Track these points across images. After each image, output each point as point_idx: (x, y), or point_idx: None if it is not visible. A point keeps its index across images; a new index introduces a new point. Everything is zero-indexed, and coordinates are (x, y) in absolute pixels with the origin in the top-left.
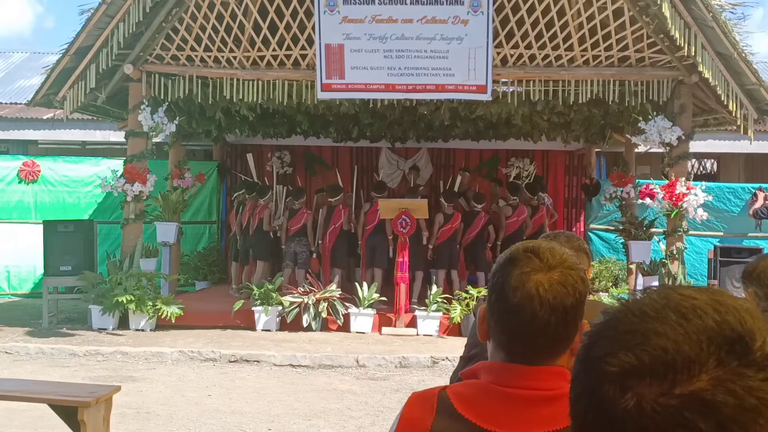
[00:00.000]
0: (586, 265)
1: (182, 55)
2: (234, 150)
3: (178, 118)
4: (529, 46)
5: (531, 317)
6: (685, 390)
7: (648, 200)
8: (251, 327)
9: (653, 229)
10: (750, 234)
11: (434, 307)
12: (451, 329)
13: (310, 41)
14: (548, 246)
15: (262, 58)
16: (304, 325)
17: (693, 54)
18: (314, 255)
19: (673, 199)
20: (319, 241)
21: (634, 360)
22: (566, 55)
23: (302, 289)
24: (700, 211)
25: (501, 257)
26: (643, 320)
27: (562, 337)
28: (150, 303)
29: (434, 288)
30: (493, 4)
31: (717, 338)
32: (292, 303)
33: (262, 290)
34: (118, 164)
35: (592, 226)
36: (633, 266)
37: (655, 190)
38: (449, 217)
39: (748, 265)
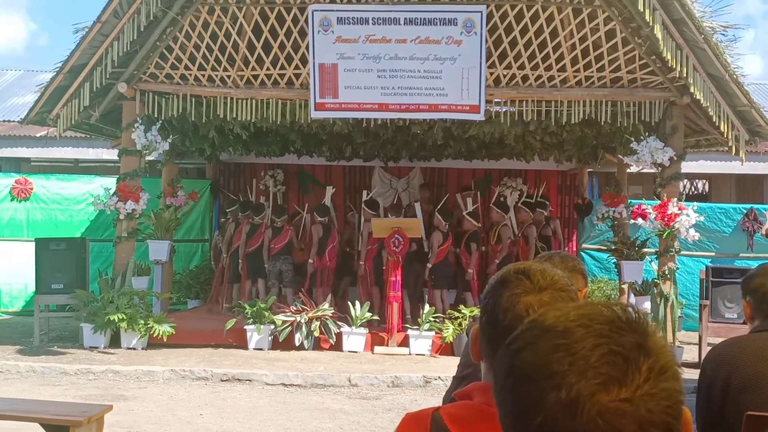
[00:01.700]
0: (582, 286)
1: (176, 73)
2: (227, 168)
3: (171, 136)
4: (521, 67)
5: None
6: (653, 368)
7: (640, 220)
8: (243, 346)
9: (645, 249)
10: (742, 254)
11: (427, 326)
12: (444, 348)
13: (303, 60)
14: (539, 267)
15: (255, 77)
16: (297, 343)
17: (685, 75)
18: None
19: (665, 219)
20: (310, 261)
21: (607, 375)
22: (559, 76)
23: (294, 308)
24: (692, 231)
25: (493, 278)
26: (565, 349)
27: None
28: (142, 321)
29: (426, 307)
30: (486, 24)
31: (624, 321)
32: (284, 322)
33: (254, 309)
34: (110, 182)
35: (584, 245)
36: (625, 286)
37: (647, 210)
38: (446, 236)
39: (751, 275)
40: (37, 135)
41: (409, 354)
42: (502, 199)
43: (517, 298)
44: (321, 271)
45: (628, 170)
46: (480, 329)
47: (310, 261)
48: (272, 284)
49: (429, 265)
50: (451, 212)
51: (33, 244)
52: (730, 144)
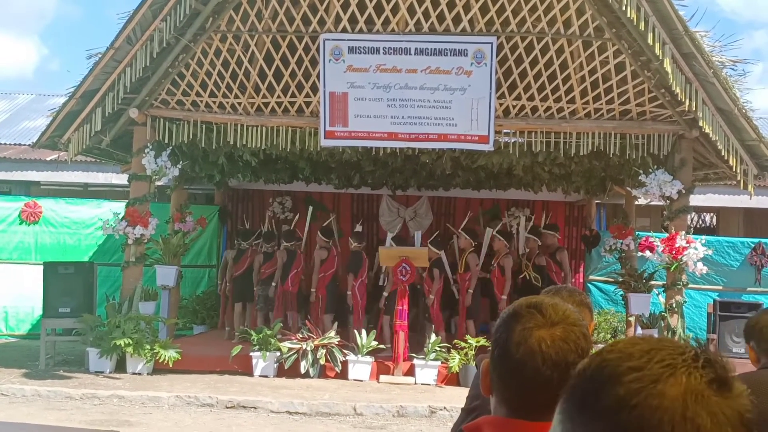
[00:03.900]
0: (588, 320)
1: (187, 100)
2: (236, 194)
3: (181, 162)
4: (531, 98)
5: (534, 373)
6: None
7: (648, 253)
8: (249, 372)
9: (653, 282)
10: (749, 288)
11: (432, 356)
12: (450, 378)
13: (314, 89)
14: (551, 302)
15: (266, 104)
16: (302, 371)
17: (694, 109)
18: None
19: (673, 252)
20: (273, 284)
21: None
22: (568, 108)
23: (300, 335)
24: (699, 264)
25: (504, 312)
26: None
27: None
28: (148, 346)
29: (433, 336)
30: (496, 55)
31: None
32: (290, 349)
33: (260, 335)
34: (119, 207)
35: (591, 277)
36: (632, 318)
37: (654, 243)
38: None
39: (750, 319)
40: (48, 159)
41: (415, 383)
42: (510, 228)
43: (530, 333)
44: (282, 297)
45: (636, 202)
46: (491, 363)
47: (273, 285)
48: (260, 308)
49: (385, 294)
50: (406, 239)
51: (41, 268)
52: (738, 178)
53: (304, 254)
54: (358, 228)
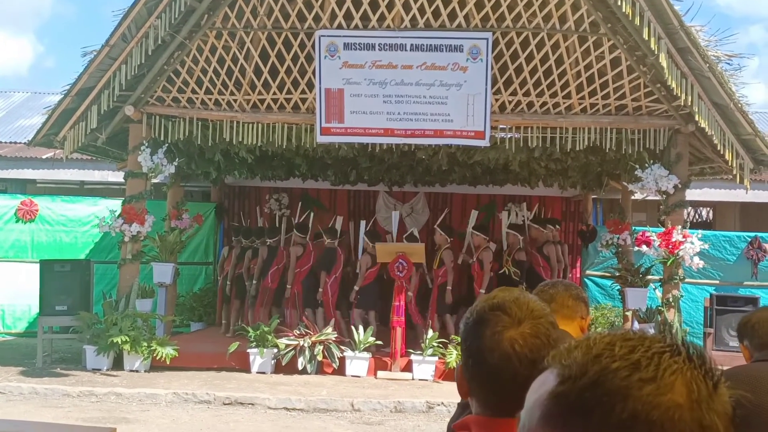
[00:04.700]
0: (585, 314)
1: (183, 97)
2: (232, 191)
3: (177, 159)
4: (527, 93)
5: (512, 375)
6: None
7: (644, 247)
8: (246, 369)
9: (649, 277)
10: (746, 282)
11: (430, 351)
12: (447, 374)
13: (310, 85)
14: (512, 298)
15: (262, 101)
16: (300, 367)
17: (689, 104)
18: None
19: (670, 246)
20: (254, 281)
21: None
22: (564, 103)
23: (298, 332)
24: (696, 259)
25: (468, 318)
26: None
27: None
28: (145, 344)
29: (430, 332)
30: (492, 51)
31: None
32: (287, 345)
33: (257, 332)
34: (116, 204)
35: (588, 272)
36: (629, 313)
37: (651, 238)
38: (375, 259)
39: (742, 318)
40: (44, 157)
41: (412, 379)
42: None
43: (500, 336)
44: (262, 292)
45: (633, 197)
46: (465, 370)
47: (254, 282)
48: (252, 304)
49: (356, 288)
50: (380, 234)
51: (37, 266)
52: (734, 172)
53: (286, 250)
54: (336, 224)
